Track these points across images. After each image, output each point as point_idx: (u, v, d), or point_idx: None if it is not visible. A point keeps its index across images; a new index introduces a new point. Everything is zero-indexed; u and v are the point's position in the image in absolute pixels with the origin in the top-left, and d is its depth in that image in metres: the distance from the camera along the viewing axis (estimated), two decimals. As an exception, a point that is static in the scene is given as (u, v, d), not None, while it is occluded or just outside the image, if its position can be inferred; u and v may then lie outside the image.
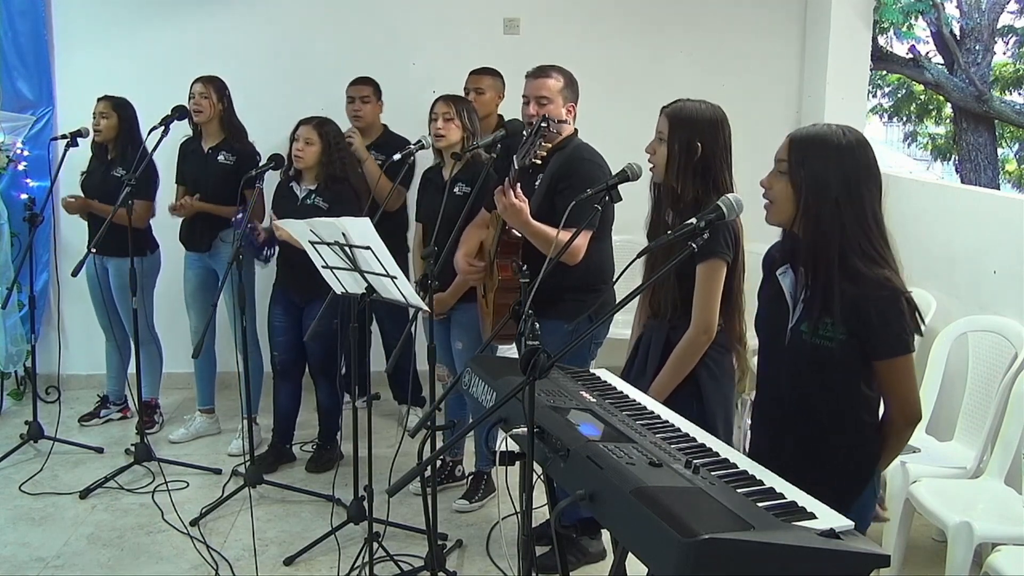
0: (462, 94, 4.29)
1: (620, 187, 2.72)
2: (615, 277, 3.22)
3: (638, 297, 2.86)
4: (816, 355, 2.05)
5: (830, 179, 2.00)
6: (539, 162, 3.15)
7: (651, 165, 2.77)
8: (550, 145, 3.18)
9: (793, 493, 1.78)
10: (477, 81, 4.50)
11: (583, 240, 3.15)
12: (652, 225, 2.84)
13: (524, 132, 3.24)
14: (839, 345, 2.01)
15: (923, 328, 2.06)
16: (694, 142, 2.65)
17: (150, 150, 4.18)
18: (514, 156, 3.13)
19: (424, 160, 4.17)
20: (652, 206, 2.85)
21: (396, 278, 2.93)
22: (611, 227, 3.39)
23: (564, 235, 2.68)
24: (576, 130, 3.41)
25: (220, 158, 4.43)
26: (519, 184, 3.13)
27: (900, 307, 1.98)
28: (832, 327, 2.01)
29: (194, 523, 3.73)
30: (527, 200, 3.14)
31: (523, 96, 3.37)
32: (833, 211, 2.00)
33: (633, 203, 3.08)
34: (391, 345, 4.84)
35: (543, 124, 3.03)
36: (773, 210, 2.11)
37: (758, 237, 2.27)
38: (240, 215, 4.04)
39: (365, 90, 4.63)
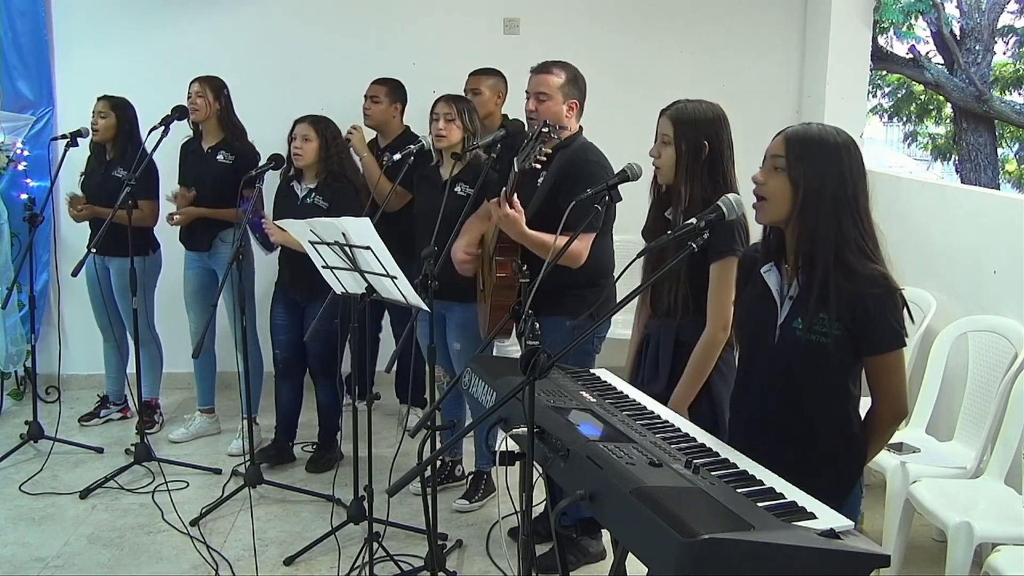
0: (463, 94, 4.29)
1: (620, 187, 2.73)
2: (617, 274, 3.22)
3: (636, 300, 2.88)
4: (810, 352, 2.05)
5: (828, 176, 2.02)
6: (539, 167, 3.16)
7: (656, 168, 2.76)
8: (550, 150, 3.17)
9: (793, 493, 1.78)
10: (475, 82, 4.51)
11: (585, 243, 3.15)
12: (651, 226, 2.84)
13: (525, 132, 3.24)
14: (834, 341, 2.02)
15: (912, 324, 2.08)
16: (701, 142, 2.65)
17: (150, 150, 4.18)
18: (514, 159, 3.13)
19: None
20: (652, 206, 2.85)
21: (396, 278, 2.93)
22: (612, 225, 3.39)
23: (563, 239, 2.68)
24: (581, 128, 3.40)
25: (219, 157, 4.44)
26: (518, 186, 3.13)
27: (895, 301, 2.02)
28: (828, 323, 2.02)
29: (194, 523, 3.73)
30: (523, 210, 3.13)
31: (526, 92, 3.37)
32: (831, 208, 2.01)
33: (633, 203, 3.07)
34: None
35: (544, 130, 3.02)
36: (767, 207, 2.10)
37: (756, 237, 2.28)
38: (245, 204, 4.02)
39: (377, 90, 4.60)
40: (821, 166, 2.03)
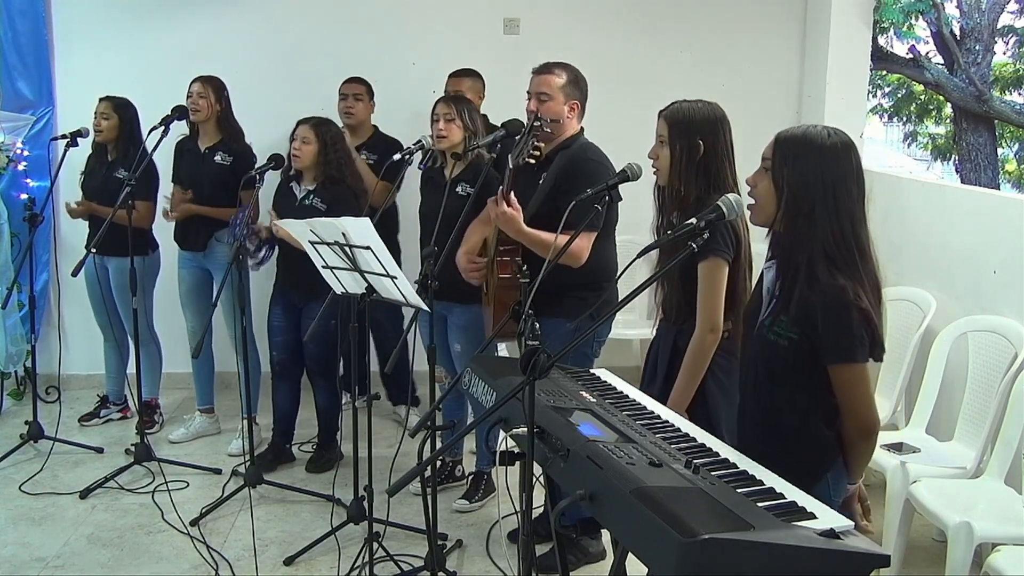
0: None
1: (621, 187, 2.73)
2: (617, 276, 3.23)
3: (655, 303, 2.88)
4: (770, 351, 2.07)
5: (811, 179, 2.00)
6: (532, 161, 3.16)
7: (654, 169, 2.76)
8: (543, 144, 3.18)
9: (793, 493, 1.78)
10: (456, 84, 4.52)
11: (586, 242, 3.15)
12: (658, 230, 2.83)
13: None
14: (789, 344, 2.02)
15: (884, 345, 2.01)
16: (695, 142, 2.66)
17: (150, 150, 4.18)
18: (508, 155, 3.14)
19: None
20: (657, 210, 2.84)
21: (396, 278, 2.94)
22: (615, 226, 3.39)
23: (563, 238, 2.69)
24: (582, 128, 3.41)
25: (216, 158, 4.43)
26: (516, 183, 3.13)
27: (849, 316, 1.95)
28: (786, 326, 2.03)
29: (194, 523, 3.73)
30: (521, 208, 3.14)
31: (527, 92, 3.38)
32: (810, 212, 2.00)
33: (634, 203, 3.08)
34: (386, 345, 4.82)
35: (535, 123, 3.05)
36: (756, 209, 2.11)
37: (761, 237, 2.27)
38: (238, 220, 4.03)
39: (358, 88, 4.64)
40: (803, 168, 2.01)
